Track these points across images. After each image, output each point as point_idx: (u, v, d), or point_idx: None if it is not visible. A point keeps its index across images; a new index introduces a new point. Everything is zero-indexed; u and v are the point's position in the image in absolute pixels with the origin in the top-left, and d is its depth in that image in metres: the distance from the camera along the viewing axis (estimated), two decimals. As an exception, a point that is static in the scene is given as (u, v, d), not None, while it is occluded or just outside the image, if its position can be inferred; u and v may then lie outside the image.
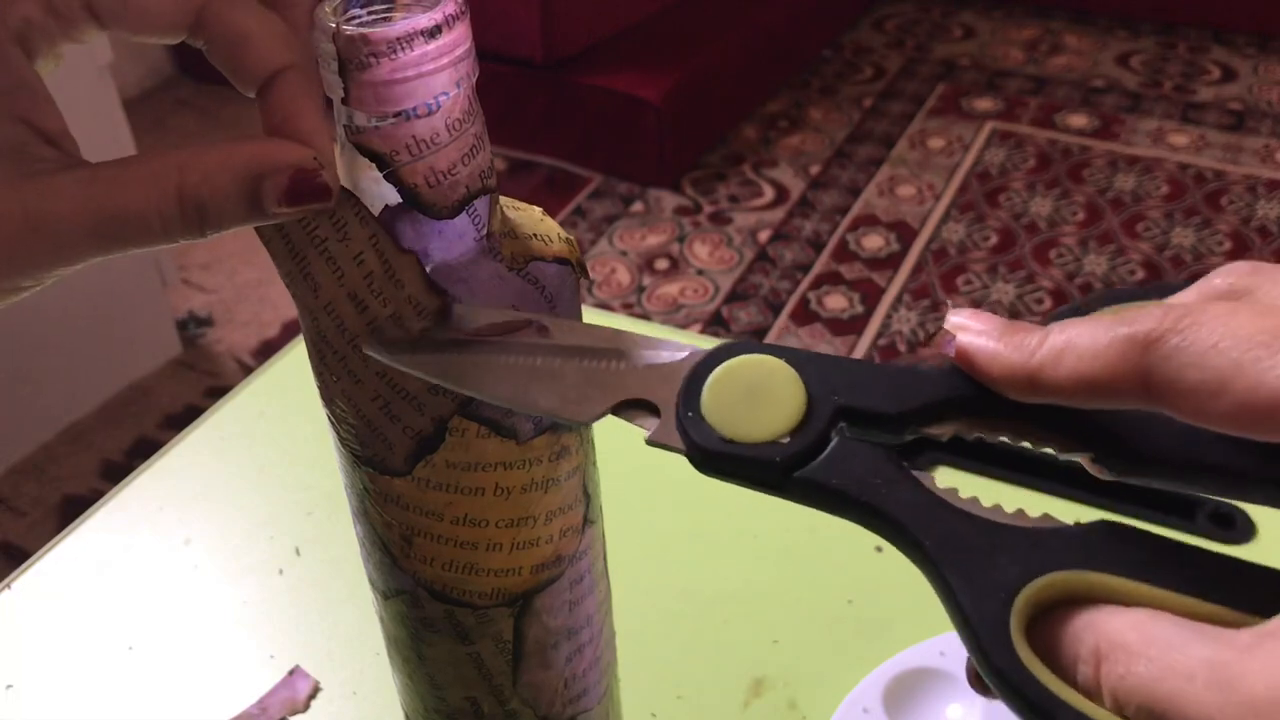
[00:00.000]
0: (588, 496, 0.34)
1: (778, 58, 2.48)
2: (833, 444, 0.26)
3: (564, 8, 2.10)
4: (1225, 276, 0.25)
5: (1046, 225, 2.05)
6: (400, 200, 0.28)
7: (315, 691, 0.52)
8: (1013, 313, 1.85)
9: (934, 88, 2.51)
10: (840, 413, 0.27)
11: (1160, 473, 0.25)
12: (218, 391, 1.74)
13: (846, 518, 0.26)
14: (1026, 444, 0.26)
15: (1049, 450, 0.26)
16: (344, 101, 0.27)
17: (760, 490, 0.27)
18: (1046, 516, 0.25)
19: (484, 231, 0.30)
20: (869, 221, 2.09)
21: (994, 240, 2.02)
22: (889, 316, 1.86)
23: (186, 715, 0.52)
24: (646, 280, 1.97)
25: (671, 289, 1.95)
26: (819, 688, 0.51)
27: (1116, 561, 0.24)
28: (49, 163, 0.27)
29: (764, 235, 2.06)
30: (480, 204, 0.29)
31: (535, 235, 0.31)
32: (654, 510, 0.59)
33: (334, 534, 0.59)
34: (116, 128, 1.66)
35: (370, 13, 0.27)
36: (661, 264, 2.01)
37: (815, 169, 2.24)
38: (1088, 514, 0.26)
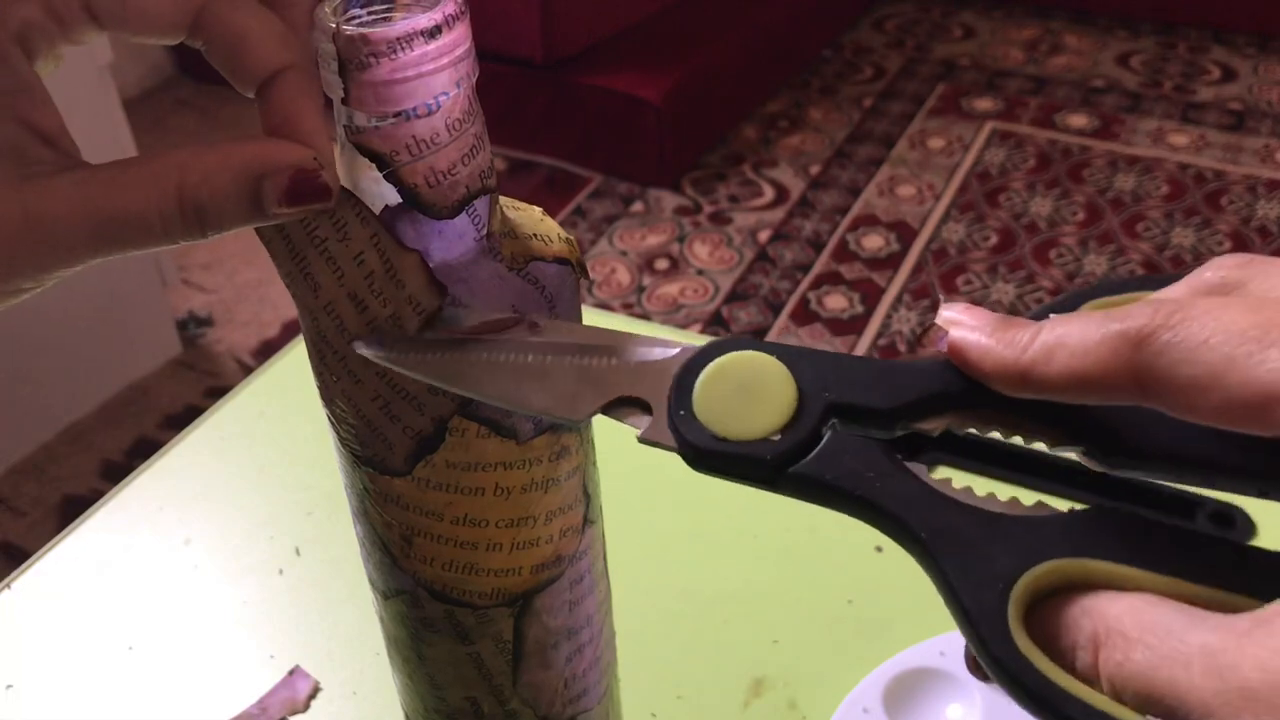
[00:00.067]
0: (588, 496, 0.34)
1: (778, 58, 2.48)
2: (825, 439, 0.26)
3: (564, 8, 2.10)
4: (1216, 270, 0.25)
5: (1046, 225, 2.05)
6: (400, 200, 0.28)
7: (315, 691, 0.52)
8: (1012, 313, 1.84)
9: (934, 88, 2.51)
10: (832, 409, 0.27)
11: (1152, 466, 0.25)
12: (218, 391, 1.74)
13: (841, 511, 0.26)
14: (1018, 438, 0.26)
15: (1040, 445, 0.26)
16: (344, 101, 0.27)
17: (754, 486, 0.27)
18: (1041, 505, 0.25)
19: (484, 231, 0.30)
20: (869, 221, 2.09)
21: (994, 240, 2.02)
22: (889, 316, 1.86)
23: (186, 715, 0.52)
24: (646, 280, 1.97)
25: (671, 289, 1.95)
26: (819, 688, 0.51)
27: (1113, 547, 0.24)
28: (48, 164, 0.27)
29: (764, 235, 2.06)
30: (480, 204, 0.29)
31: (535, 235, 0.31)
32: (654, 510, 0.59)
33: (334, 534, 0.59)
34: (116, 128, 1.66)
35: (370, 13, 0.27)
36: (661, 264, 2.01)
37: (815, 169, 2.24)
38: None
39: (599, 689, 0.38)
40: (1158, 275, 0.27)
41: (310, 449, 0.64)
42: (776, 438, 0.27)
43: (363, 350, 0.29)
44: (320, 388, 0.32)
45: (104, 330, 1.70)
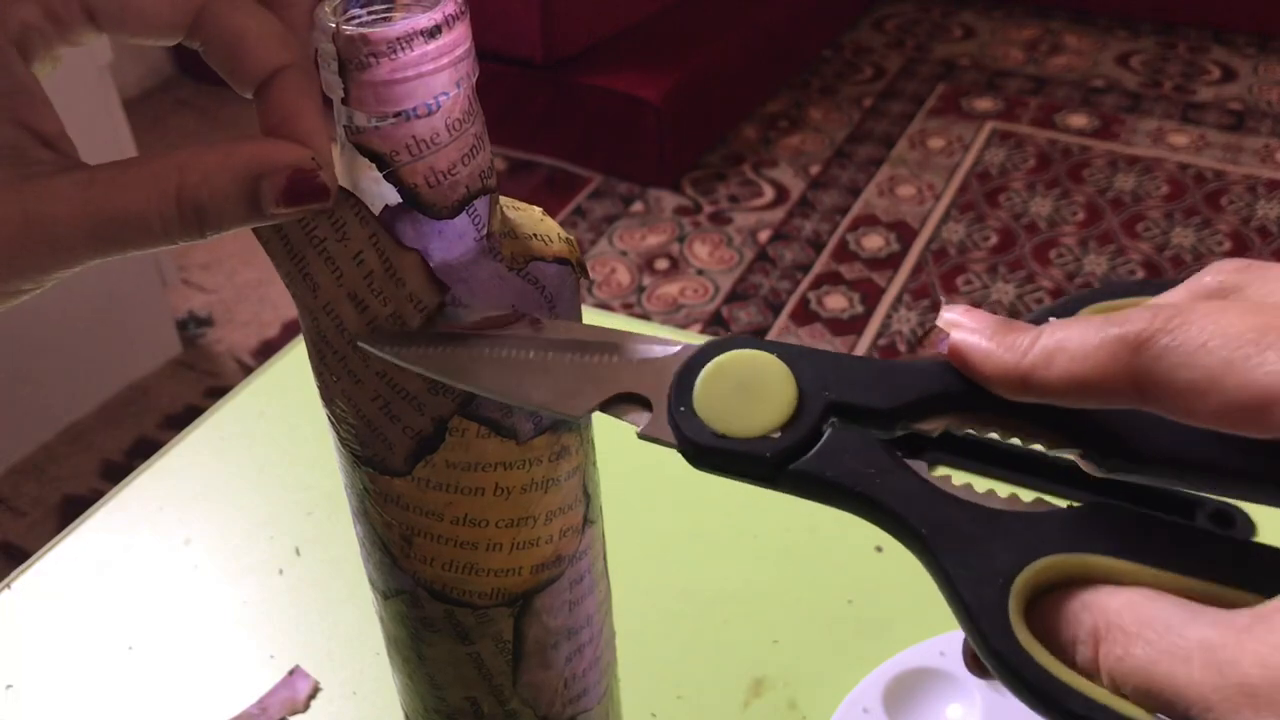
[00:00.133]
0: (588, 496, 0.34)
1: (778, 58, 2.48)
2: (825, 436, 0.26)
3: (564, 8, 2.10)
4: (1215, 274, 0.25)
5: (1046, 225, 2.05)
6: (400, 200, 0.28)
7: (315, 691, 0.52)
8: (1012, 313, 1.85)
9: (934, 88, 2.51)
10: (831, 408, 0.27)
11: (1151, 470, 0.25)
12: (218, 391, 1.74)
13: (841, 508, 0.26)
14: (1017, 440, 0.26)
15: (1039, 447, 0.26)
16: (344, 101, 0.27)
17: (754, 484, 0.27)
18: (1040, 501, 0.25)
19: (484, 231, 0.30)
20: (869, 221, 2.09)
21: (994, 240, 2.02)
22: (889, 316, 1.86)
23: (186, 715, 0.52)
24: (646, 280, 1.97)
25: (671, 289, 1.95)
26: (819, 688, 0.51)
27: (1113, 543, 0.24)
28: (47, 165, 0.27)
29: (764, 235, 2.06)
30: (480, 204, 0.29)
31: (535, 235, 0.31)
32: (654, 510, 0.59)
33: (334, 534, 0.59)
34: (116, 128, 1.66)
35: (370, 13, 0.27)
36: (661, 264, 2.01)
37: (815, 169, 2.24)
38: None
39: (599, 689, 0.38)
40: (1157, 280, 0.27)
41: (310, 449, 0.64)
42: (776, 435, 0.27)
43: (365, 346, 0.29)
44: (320, 388, 0.32)
45: (104, 330, 1.70)
